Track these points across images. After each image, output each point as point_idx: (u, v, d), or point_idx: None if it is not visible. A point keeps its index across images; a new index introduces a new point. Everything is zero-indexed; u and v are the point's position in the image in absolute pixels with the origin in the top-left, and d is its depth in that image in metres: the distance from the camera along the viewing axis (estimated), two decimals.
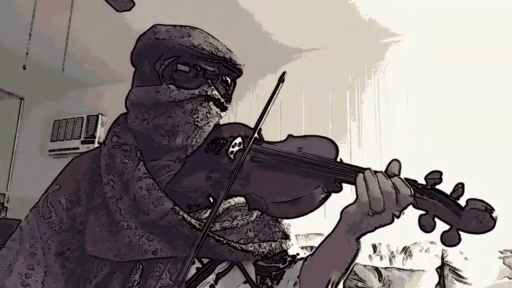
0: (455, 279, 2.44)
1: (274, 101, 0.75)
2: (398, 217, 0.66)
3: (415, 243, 2.65)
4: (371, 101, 3.24)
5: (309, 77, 3.43)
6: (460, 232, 0.62)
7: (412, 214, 0.66)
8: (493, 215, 0.60)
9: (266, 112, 0.74)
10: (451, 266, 2.49)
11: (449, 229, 0.62)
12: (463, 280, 2.41)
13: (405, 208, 0.65)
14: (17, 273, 0.78)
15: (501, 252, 2.44)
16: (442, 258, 2.56)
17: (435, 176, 0.64)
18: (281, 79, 0.77)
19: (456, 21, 2.91)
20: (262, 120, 0.74)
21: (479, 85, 2.84)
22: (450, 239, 0.62)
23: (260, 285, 0.82)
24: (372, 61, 3.29)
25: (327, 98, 3.39)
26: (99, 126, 4.19)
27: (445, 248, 2.57)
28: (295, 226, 0.89)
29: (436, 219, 0.63)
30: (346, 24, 3.09)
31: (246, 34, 3.20)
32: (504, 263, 2.40)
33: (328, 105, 3.38)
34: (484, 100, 2.79)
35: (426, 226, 0.63)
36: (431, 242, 2.60)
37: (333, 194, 0.72)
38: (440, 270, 2.54)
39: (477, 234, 0.61)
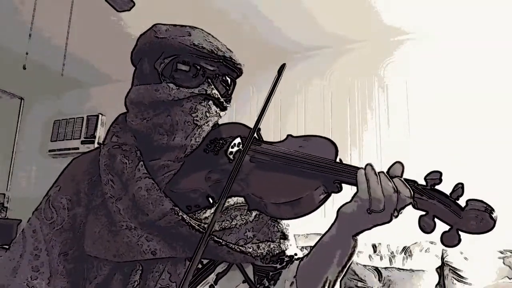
0: (455, 279, 2.44)
1: (273, 95, 0.74)
2: (396, 216, 0.65)
3: (415, 243, 2.65)
4: (371, 101, 3.24)
5: (310, 77, 3.43)
6: (460, 233, 0.61)
7: (412, 214, 0.65)
8: (493, 215, 0.60)
9: (266, 108, 0.73)
10: (451, 266, 2.49)
11: (449, 229, 0.62)
12: (463, 280, 2.41)
13: (403, 208, 0.65)
14: (22, 276, 0.77)
15: (501, 252, 2.43)
16: (442, 258, 2.56)
17: (435, 177, 0.64)
18: (280, 72, 0.76)
19: (456, 23, 2.92)
20: (261, 119, 0.73)
21: (479, 85, 2.84)
22: (450, 240, 0.61)
23: (258, 285, 0.81)
24: (372, 61, 3.29)
25: (328, 98, 3.39)
26: (99, 126, 4.18)
27: (445, 248, 2.57)
28: (294, 226, 0.88)
29: (436, 219, 0.63)
30: (347, 24, 3.08)
31: (247, 34, 3.20)
32: (504, 263, 2.40)
33: (329, 105, 3.38)
34: (485, 102, 2.79)
35: (425, 226, 0.63)
36: (431, 242, 2.60)
37: (333, 194, 0.71)
38: (440, 270, 2.53)
39: (477, 234, 0.61)
